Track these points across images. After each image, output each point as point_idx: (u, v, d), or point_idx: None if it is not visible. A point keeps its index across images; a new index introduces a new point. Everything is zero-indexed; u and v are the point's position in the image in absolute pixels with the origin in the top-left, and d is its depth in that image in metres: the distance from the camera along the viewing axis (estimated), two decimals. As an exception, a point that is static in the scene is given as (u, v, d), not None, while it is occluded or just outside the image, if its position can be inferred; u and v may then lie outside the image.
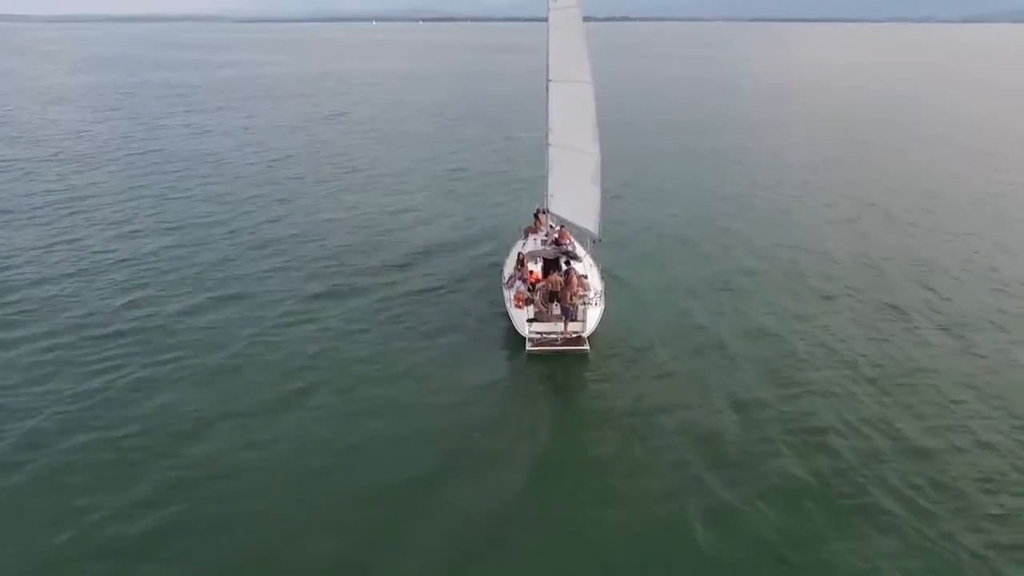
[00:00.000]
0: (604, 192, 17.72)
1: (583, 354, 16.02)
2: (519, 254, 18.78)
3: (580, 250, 19.42)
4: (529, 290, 16.92)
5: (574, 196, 18.58)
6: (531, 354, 16.02)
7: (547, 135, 18.99)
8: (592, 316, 16.35)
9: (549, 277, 17.25)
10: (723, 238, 25.12)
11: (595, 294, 16.97)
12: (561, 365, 15.86)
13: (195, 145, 41.97)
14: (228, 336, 17.18)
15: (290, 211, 28.07)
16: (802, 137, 46.20)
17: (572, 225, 19.40)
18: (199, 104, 61.41)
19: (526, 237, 20.56)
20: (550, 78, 18.14)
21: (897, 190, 32.09)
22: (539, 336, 16.25)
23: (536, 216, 21.16)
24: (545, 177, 19.67)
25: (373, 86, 78.73)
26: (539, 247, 19.53)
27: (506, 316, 17.26)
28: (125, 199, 29.64)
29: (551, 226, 20.53)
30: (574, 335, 16.21)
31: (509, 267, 19.07)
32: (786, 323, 18.19)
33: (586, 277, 17.46)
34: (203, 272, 21.37)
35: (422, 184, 33.03)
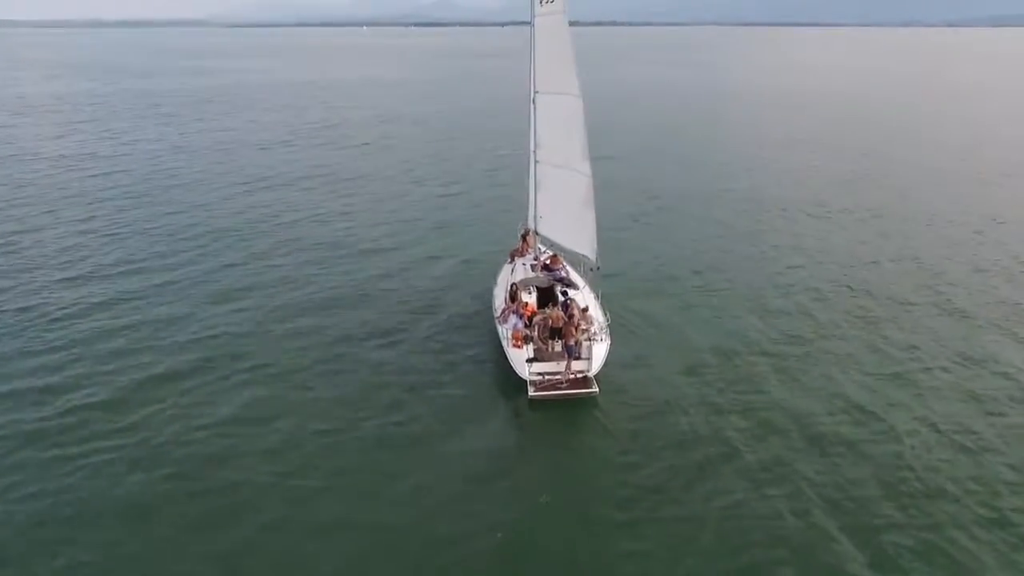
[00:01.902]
0: (596, 211, 16.12)
1: (591, 396, 14.46)
2: (512, 284, 17.10)
3: (576, 278, 17.82)
4: (526, 325, 15.33)
5: (566, 219, 17.05)
6: (534, 400, 14.42)
7: (533, 151, 17.48)
8: (598, 353, 14.78)
9: (547, 312, 15.67)
10: (728, 261, 23.49)
11: (599, 328, 15.37)
12: (567, 410, 14.32)
13: (167, 164, 38.94)
14: (201, 381, 15.55)
15: (266, 243, 25.22)
16: (803, 146, 45.00)
17: (565, 251, 17.83)
18: (177, 115, 58.85)
19: (512, 260, 19.01)
20: (536, 90, 16.66)
21: (910, 204, 30.87)
22: (541, 379, 14.64)
23: (523, 238, 19.54)
24: (531, 196, 18.12)
25: (361, 95, 76.83)
26: (529, 272, 17.98)
27: (500, 352, 15.62)
28: (82, 230, 26.53)
29: (540, 248, 19.02)
30: (580, 375, 14.67)
31: (499, 297, 17.38)
32: (811, 356, 16.74)
33: (587, 309, 15.82)
34: (168, 319, 18.75)
35: (407, 202, 31.44)
